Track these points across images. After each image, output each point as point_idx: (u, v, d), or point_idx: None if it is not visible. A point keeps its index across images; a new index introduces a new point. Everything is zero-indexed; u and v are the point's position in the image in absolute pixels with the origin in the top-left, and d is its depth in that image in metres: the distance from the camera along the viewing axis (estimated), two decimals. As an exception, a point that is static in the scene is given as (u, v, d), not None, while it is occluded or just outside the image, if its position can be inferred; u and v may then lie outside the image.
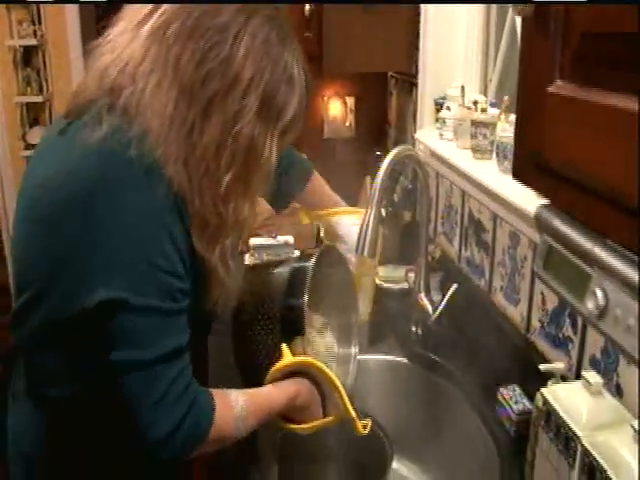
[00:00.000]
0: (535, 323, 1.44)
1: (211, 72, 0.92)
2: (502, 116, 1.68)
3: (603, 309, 0.53)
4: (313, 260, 1.20)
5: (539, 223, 0.65)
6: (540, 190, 0.62)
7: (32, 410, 1.06)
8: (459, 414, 1.55)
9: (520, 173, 0.67)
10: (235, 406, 1.02)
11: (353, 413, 1.18)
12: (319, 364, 1.15)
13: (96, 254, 0.89)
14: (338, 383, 1.17)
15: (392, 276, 2.02)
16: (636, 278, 0.49)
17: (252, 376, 1.20)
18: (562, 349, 1.32)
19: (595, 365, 1.19)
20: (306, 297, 1.16)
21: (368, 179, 2.29)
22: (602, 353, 1.18)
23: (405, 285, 1.93)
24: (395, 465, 1.46)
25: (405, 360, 1.69)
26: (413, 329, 1.77)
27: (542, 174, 0.61)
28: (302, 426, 1.17)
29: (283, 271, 1.22)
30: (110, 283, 0.89)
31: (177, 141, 0.90)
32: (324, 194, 1.50)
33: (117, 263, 0.89)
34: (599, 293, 0.53)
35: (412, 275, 1.82)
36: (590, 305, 0.54)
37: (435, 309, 1.70)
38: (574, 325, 1.27)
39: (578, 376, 1.23)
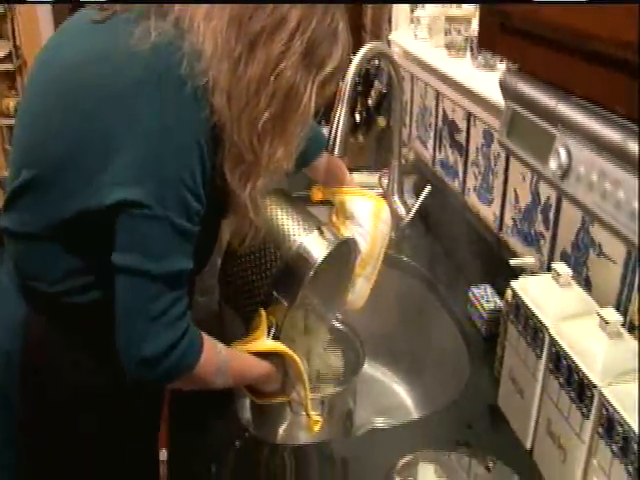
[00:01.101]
0: (508, 221, 1.42)
1: (259, 9, 0.91)
2: (477, 12, 1.62)
3: (566, 168, 0.50)
4: (325, 252, 1.16)
5: (503, 89, 0.61)
6: (506, 53, 0.59)
7: (15, 300, 1.03)
8: (431, 315, 1.55)
9: (486, 38, 0.63)
10: (219, 356, 1.02)
11: (310, 412, 1.18)
12: (295, 357, 1.13)
13: (125, 149, 0.88)
14: (305, 378, 1.16)
15: (366, 181, 1.98)
16: (600, 131, 0.46)
17: (234, 308, 1.22)
18: (534, 246, 1.31)
19: (566, 259, 1.18)
20: (306, 282, 1.14)
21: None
22: (572, 247, 1.16)
23: (379, 190, 1.90)
24: (366, 367, 1.47)
25: (377, 263, 1.66)
26: (386, 232, 1.74)
27: (508, 35, 0.58)
28: (257, 399, 1.19)
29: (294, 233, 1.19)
30: (132, 183, 0.88)
31: (225, 70, 0.90)
32: (339, 170, 1.43)
33: (144, 165, 0.88)
34: (562, 152, 0.50)
35: (386, 180, 1.78)
36: (553, 165, 0.51)
37: (408, 212, 1.68)
38: (546, 221, 1.25)
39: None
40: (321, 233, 1.20)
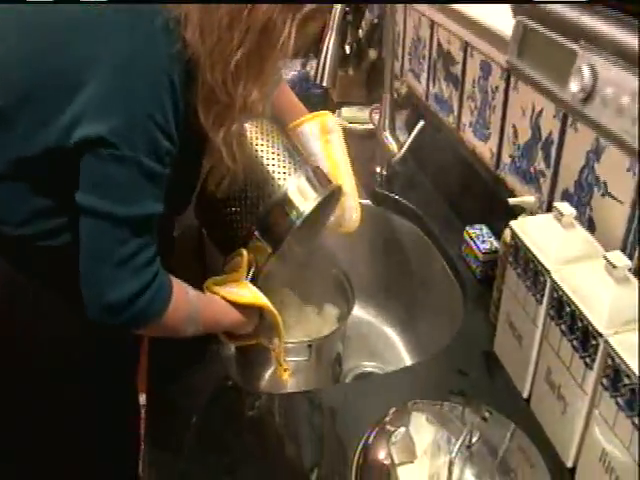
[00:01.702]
0: (505, 159, 1.34)
1: None
2: None
3: (590, 90, 0.43)
4: (313, 204, 1.12)
5: (514, 3, 0.53)
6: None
7: None
8: (423, 256, 1.49)
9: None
10: (190, 304, 0.97)
11: (283, 362, 1.14)
12: (272, 308, 1.08)
13: (92, 82, 0.82)
14: (281, 328, 1.11)
15: (356, 117, 1.92)
16: (633, 46, 0.38)
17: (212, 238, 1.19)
18: (533, 184, 1.24)
19: (567, 199, 1.11)
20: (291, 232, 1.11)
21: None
22: (575, 186, 1.09)
23: (370, 126, 1.82)
24: (356, 310, 1.42)
25: (369, 202, 1.61)
26: (378, 170, 1.69)
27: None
28: (230, 340, 1.14)
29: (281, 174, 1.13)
30: (97, 118, 0.82)
31: (197, 5, 0.85)
32: (293, 105, 1.35)
33: (111, 99, 0.83)
34: (586, 71, 0.43)
35: (377, 116, 1.70)
36: (574, 87, 0.44)
37: (400, 148, 1.60)
38: (547, 158, 1.17)
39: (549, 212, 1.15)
40: (309, 179, 1.13)
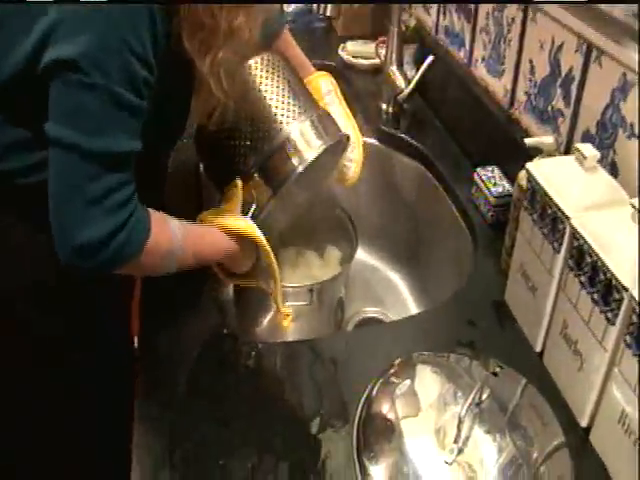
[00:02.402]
0: (521, 97, 1.26)
1: None
2: None
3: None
4: (318, 151, 1.06)
5: None
6: None
7: None
8: (431, 199, 1.43)
9: None
10: (173, 241, 0.91)
11: (281, 305, 1.10)
12: (265, 244, 1.02)
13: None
14: (276, 269, 1.06)
15: (361, 51, 1.83)
16: None
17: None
18: (550, 124, 1.16)
19: (588, 141, 1.04)
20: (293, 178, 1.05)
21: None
22: (597, 127, 1.02)
23: (376, 60, 1.74)
24: (360, 254, 1.37)
25: (374, 141, 1.55)
26: (383, 107, 1.61)
27: None
28: (226, 277, 1.09)
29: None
30: (68, 39, 0.75)
31: None
32: (295, 56, 1.26)
33: (83, 18, 0.75)
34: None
35: (383, 50, 1.62)
36: None
37: (408, 84, 1.53)
38: (567, 96, 1.10)
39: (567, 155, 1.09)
40: (315, 125, 1.07)
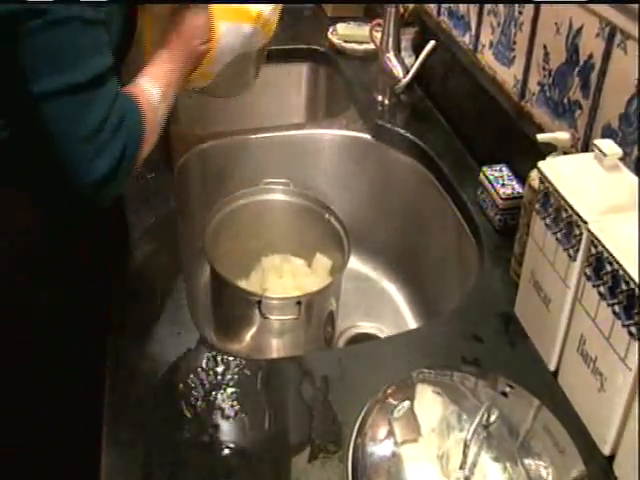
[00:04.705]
0: (533, 87, 1.29)
1: None
2: None
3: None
4: None
5: None
6: None
7: None
8: (432, 201, 1.46)
9: None
10: (154, 101, 1.03)
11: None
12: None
13: None
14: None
15: (354, 35, 1.86)
16: None
17: None
18: (566, 119, 1.19)
19: (609, 136, 1.06)
20: None
21: None
22: (620, 121, 1.04)
23: (370, 46, 1.77)
24: (353, 263, 1.39)
25: (368, 137, 1.59)
26: (379, 98, 1.64)
27: None
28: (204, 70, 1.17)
29: None
30: None
31: None
32: None
33: None
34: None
35: (379, 34, 1.65)
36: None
37: (406, 73, 1.56)
38: (585, 86, 1.12)
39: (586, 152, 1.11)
40: None
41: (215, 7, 1.12)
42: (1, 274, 1.01)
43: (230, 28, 1.15)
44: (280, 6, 1.23)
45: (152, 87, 1.03)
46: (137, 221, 1.25)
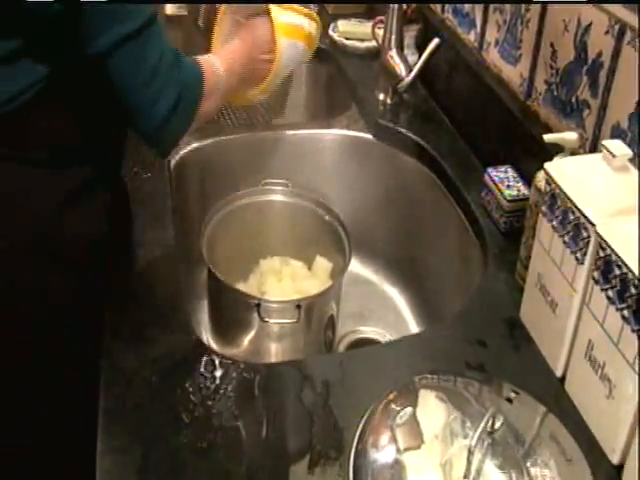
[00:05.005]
0: (540, 86, 1.29)
1: None
2: None
3: None
4: None
5: None
6: None
7: None
8: (435, 203, 1.46)
9: None
10: (216, 69, 1.12)
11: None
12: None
13: None
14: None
15: (355, 32, 1.86)
16: None
17: None
18: (574, 118, 1.18)
19: (619, 137, 1.05)
20: None
21: None
22: (630, 120, 1.04)
23: (372, 43, 1.77)
24: (354, 266, 1.39)
25: (370, 137, 1.58)
26: (381, 97, 1.64)
27: None
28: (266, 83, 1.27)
29: None
30: None
31: None
32: None
33: None
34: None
35: (381, 31, 1.65)
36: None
37: (409, 71, 1.55)
38: (594, 85, 1.12)
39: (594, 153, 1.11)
40: None
41: (275, 23, 1.21)
42: (1, 274, 1.01)
43: (290, 44, 1.24)
44: (320, 26, 1.34)
45: (216, 60, 1.12)
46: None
